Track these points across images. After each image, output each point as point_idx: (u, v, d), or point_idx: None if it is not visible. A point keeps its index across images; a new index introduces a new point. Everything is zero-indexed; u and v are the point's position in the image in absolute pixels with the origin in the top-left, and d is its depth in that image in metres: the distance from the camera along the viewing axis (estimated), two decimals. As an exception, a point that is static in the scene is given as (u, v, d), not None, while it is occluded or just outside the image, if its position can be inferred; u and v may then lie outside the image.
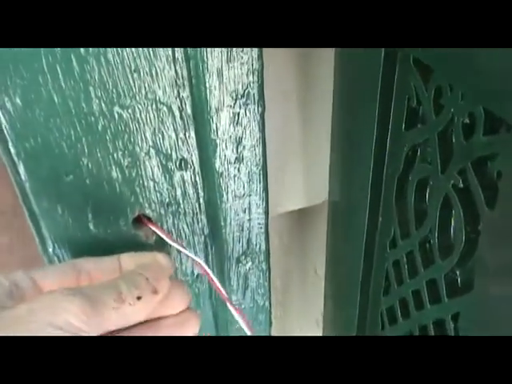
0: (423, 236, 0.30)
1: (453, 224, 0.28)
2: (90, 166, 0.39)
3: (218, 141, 0.40)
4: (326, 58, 0.37)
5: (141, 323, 0.34)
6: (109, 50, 0.34)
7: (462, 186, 0.26)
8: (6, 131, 0.35)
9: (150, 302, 0.34)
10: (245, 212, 0.44)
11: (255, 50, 0.36)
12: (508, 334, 0.24)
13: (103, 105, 0.37)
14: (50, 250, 0.43)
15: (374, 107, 0.30)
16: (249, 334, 0.42)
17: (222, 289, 0.42)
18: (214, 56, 0.36)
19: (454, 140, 0.25)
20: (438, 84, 0.26)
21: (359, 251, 0.37)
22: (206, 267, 0.43)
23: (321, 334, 0.53)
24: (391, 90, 0.29)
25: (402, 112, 0.29)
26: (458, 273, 0.29)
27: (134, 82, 0.36)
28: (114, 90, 0.36)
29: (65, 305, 0.27)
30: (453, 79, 0.24)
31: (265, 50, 0.36)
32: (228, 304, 0.42)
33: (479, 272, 0.26)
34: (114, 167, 0.40)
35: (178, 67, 0.37)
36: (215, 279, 0.42)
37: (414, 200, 0.30)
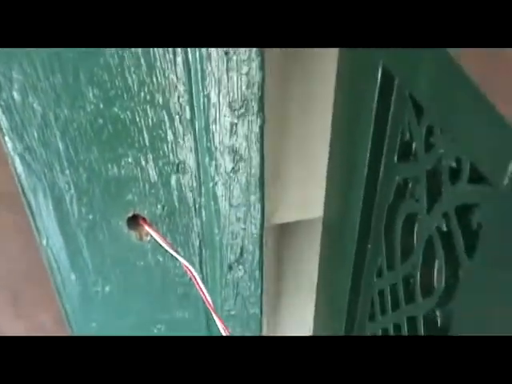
0: (407, 271, 0.29)
1: (436, 265, 0.27)
2: (86, 163, 0.39)
3: (213, 149, 0.39)
4: (327, 76, 0.36)
5: None
6: (108, 50, 0.34)
7: (445, 229, 0.25)
8: (2, 125, 0.36)
9: None
10: (239, 221, 0.44)
11: (257, 62, 0.35)
12: None
13: (101, 105, 0.36)
14: (44, 242, 0.43)
15: (369, 132, 0.29)
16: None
17: (208, 297, 0.42)
18: (214, 65, 0.35)
19: (441, 182, 0.24)
20: (430, 123, 0.25)
21: (348, 273, 0.37)
22: (194, 274, 0.43)
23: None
24: (386, 117, 0.29)
25: (396, 143, 0.28)
26: (437, 314, 0.28)
27: (134, 85, 0.36)
28: (113, 91, 0.36)
29: None
30: (443, 122, 0.23)
31: (267, 63, 0.36)
32: (212, 312, 0.42)
33: (457, 317, 0.25)
34: (110, 166, 0.40)
35: (178, 72, 0.36)
36: (202, 286, 0.42)
37: (401, 234, 0.30)
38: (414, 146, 0.27)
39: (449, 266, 0.25)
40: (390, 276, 0.32)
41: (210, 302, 0.42)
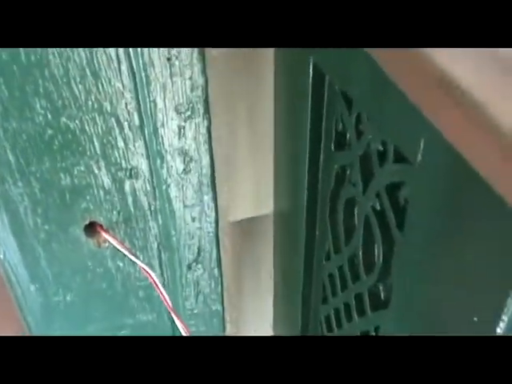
0: (351, 252, 0.32)
1: (375, 243, 0.29)
2: (38, 174, 0.40)
3: (164, 152, 0.40)
4: (268, 75, 0.38)
5: None
6: (52, 61, 0.35)
7: (378, 208, 0.27)
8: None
9: None
10: (195, 221, 0.45)
11: (199, 66, 0.37)
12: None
13: (49, 115, 0.37)
14: (1, 256, 0.44)
15: (307, 125, 0.31)
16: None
17: (168, 300, 0.43)
18: (158, 71, 0.37)
19: (372, 165, 0.27)
20: (359, 112, 0.27)
21: (300, 262, 0.38)
22: (154, 277, 0.44)
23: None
24: (321, 111, 0.31)
25: (332, 133, 0.30)
26: (380, 288, 0.30)
27: (80, 94, 0.37)
28: (60, 102, 0.37)
29: None
30: (369, 110, 0.25)
31: (209, 65, 0.37)
32: (172, 314, 0.43)
33: (395, 289, 0.27)
34: (63, 176, 0.40)
35: (124, 80, 0.37)
36: (162, 289, 0.43)
37: (343, 218, 0.32)
38: (347, 135, 0.29)
39: (384, 242, 0.27)
40: (336, 259, 0.34)
41: (170, 304, 0.43)
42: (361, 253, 0.30)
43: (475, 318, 0.19)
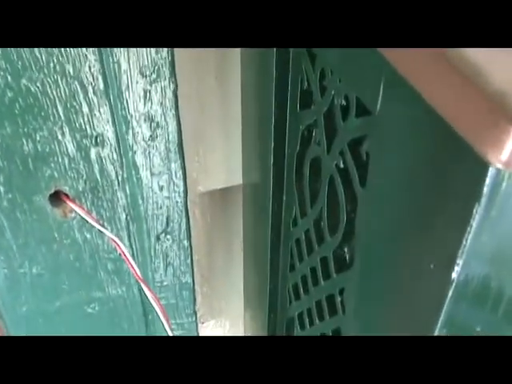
0: (316, 215, 0.31)
1: (339, 203, 0.29)
2: (-1, 139, 0.38)
3: (129, 118, 0.39)
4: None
5: None
6: (11, 21, 0.33)
7: (342, 166, 0.26)
8: None
9: None
10: (162, 190, 0.45)
11: (164, 27, 0.36)
12: (380, 317, 0.25)
13: (9, 77, 0.36)
14: (-38, 226, 0.42)
15: (272, 86, 0.31)
16: (159, 311, 0.43)
17: (137, 271, 0.43)
18: (122, 31, 0.35)
19: (335, 121, 0.26)
20: (322, 67, 0.26)
21: (267, 229, 0.38)
22: (123, 248, 0.43)
23: (242, 310, 0.55)
24: (287, 71, 0.30)
25: (297, 93, 0.30)
26: (345, 250, 0.30)
27: (41, 55, 0.36)
28: (20, 63, 0.35)
29: None
30: (332, 64, 0.25)
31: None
32: (143, 285, 0.43)
33: (358, 248, 0.27)
34: (25, 141, 0.39)
35: (87, 42, 0.36)
36: (131, 261, 0.43)
37: (309, 180, 0.31)
38: (312, 93, 0.29)
39: (348, 200, 0.27)
40: (303, 223, 0.33)
41: (140, 275, 0.43)
42: (326, 214, 0.30)
43: (432, 265, 0.19)
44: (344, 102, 0.25)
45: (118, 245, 0.45)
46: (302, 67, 0.29)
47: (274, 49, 0.29)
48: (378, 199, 0.23)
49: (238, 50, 0.39)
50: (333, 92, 0.26)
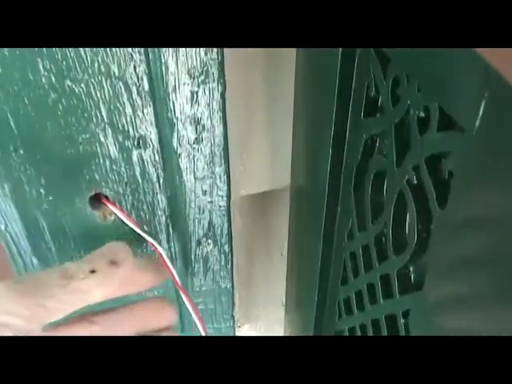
0: (379, 230, 0.29)
1: (407, 220, 0.27)
2: (41, 141, 0.37)
3: (175, 120, 0.38)
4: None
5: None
6: (57, 19, 0.32)
7: (415, 182, 0.24)
8: None
9: (107, 276, 0.32)
10: (205, 194, 0.43)
11: (215, 26, 0.34)
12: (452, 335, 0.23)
13: (53, 78, 0.35)
14: (2, 227, 0.41)
15: (334, 91, 0.29)
16: (198, 324, 0.41)
17: (175, 274, 0.41)
18: (171, 31, 0.34)
19: (409, 134, 0.24)
20: (396, 73, 0.24)
21: (318, 239, 0.36)
22: (161, 252, 0.42)
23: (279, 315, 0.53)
24: (351, 75, 0.28)
25: (362, 99, 0.28)
26: (410, 270, 0.28)
27: (86, 55, 0.34)
28: (64, 63, 0.34)
29: None
30: (409, 70, 0.22)
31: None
32: (181, 292, 0.41)
33: (430, 271, 0.25)
34: (67, 143, 0.38)
35: (133, 41, 0.34)
36: (170, 265, 0.41)
37: (370, 193, 0.29)
38: (380, 100, 0.27)
39: (421, 218, 0.25)
40: (361, 237, 0.31)
41: (178, 281, 0.41)
42: (391, 231, 0.28)
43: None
44: (423, 114, 0.23)
45: (157, 248, 0.44)
46: (369, 71, 0.26)
47: (340, 50, 0.27)
48: (462, 224, 0.21)
49: (286, 51, 0.37)
50: (408, 102, 0.23)
